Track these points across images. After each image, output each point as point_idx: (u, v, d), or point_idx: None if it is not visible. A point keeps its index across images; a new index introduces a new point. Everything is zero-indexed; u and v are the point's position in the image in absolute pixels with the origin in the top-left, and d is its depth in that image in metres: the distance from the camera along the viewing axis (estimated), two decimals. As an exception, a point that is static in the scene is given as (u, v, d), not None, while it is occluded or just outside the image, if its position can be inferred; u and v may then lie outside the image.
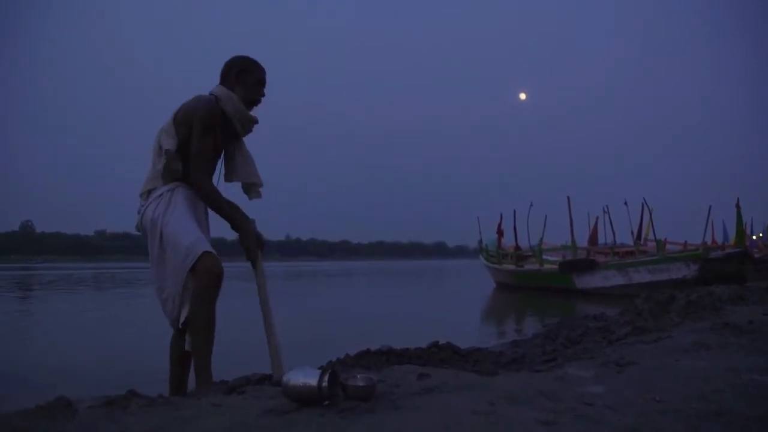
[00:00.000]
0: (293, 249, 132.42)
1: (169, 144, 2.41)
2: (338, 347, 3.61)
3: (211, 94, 2.52)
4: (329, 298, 14.47)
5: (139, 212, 2.49)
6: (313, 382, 1.69)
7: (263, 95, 2.63)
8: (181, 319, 2.40)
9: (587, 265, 13.92)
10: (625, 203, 15.93)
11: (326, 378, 1.70)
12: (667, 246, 15.25)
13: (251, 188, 2.68)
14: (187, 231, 2.36)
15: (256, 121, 2.62)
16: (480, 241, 20.05)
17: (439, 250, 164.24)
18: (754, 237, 24.91)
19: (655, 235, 14.65)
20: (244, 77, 2.55)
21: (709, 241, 17.17)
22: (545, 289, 14.55)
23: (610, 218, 16.64)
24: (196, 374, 2.36)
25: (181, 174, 2.47)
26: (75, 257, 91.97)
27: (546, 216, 16.99)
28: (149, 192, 2.48)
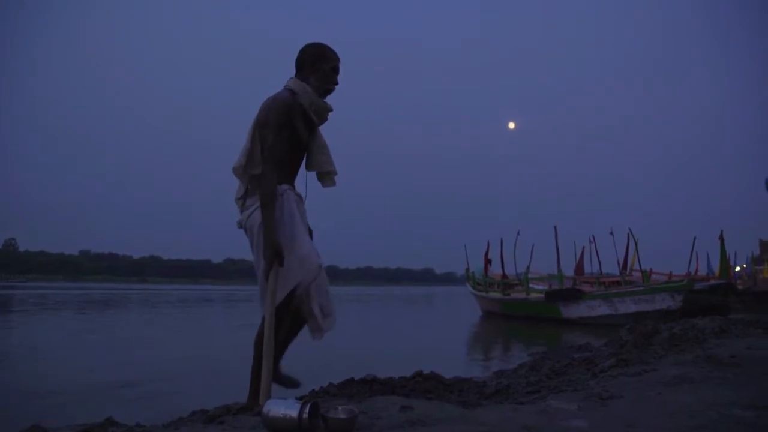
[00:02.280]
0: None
1: (237, 161, 2.47)
2: (322, 375, 3.57)
3: (286, 88, 2.54)
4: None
5: (242, 212, 2.53)
6: (293, 413, 1.67)
7: (337, 83, 2.63)
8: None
9: (573, 295, 13.95)
10: (611, 233, 16.06)
11: (307, 409, 1.68)
12: (653, 276, 15.36)
13: (326, 176, 2.73)
14: (301, 241, 2.44)
15: (331, 109, 2.64)
16: (467, 269, 20.07)
17: (426, 277, 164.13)
18: (738, 269, 25.18)
19: (640, 266, 14.75)
20: (320, 65, 2.55)
21: (693, 273, 17.31)
22: (531, 318, 14.54)
23: (596, 248, 16.76)
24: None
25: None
26: (58, 277, 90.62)
27: (533, 245, 17.09)
28: (246, 193, 2.52)
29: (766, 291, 17.27)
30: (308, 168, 2.70)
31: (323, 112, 2.61)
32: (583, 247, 17.60)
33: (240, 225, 2.55)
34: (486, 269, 18.61)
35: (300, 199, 2.63)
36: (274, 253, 2.32)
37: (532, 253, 16.82)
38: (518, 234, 17.52)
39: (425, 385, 3.29)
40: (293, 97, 2.48)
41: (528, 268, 16.45)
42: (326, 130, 2.74)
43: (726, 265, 14.97)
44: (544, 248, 16.97)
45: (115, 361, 6.18)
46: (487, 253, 18.75)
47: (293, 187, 2.61)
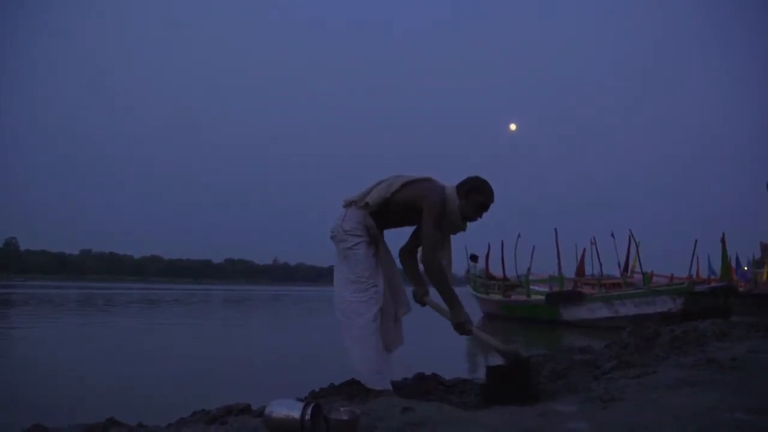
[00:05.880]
0: (281, 274, 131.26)
1: (373, 199, 2.93)
2: (323, 375, 3.57)
3: (445, 190, 2.90)
4: (319, 324, 14.34)
5: (336, 229, 3.00)
6: (295, 414, 1.67)
7: (480, 217, 2.99)
8: None
9: (574, 297, 13.96)
10: (612, 235, 16.07)
11: (309, 411, 1.69)
12: (654, 279, 15.34)
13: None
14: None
15: (463, 230, 3.01)
16: (468, 271, 20.08)
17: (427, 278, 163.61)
18: (746, 268, 25.18)
19: (641, 268, 14.75)
20: (473, 196, 2.91)
21: (695, 275, 17.31)
22: (532, 320, 14.54)
23: (597, 250, 16.77)
24: None
25: (375, 228, 2.99)
26: (58, 276, 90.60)
27: (534, 247, 17.12)
28: (351, 203, 3.00)
29: (767, 293, 17.28)
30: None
31: (455, 229, 2.99)
32: (584, 249, 17.64)
33: (332, 235, 3.02)
34: (487, 271, 18.64)
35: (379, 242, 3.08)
36: (467, 322, 2.92)
37: (532, 255, 16.87)
38: (519, 236, 17.60)
39: (426, 386, 3.30)
40: (443, 204, 2.84)
41: (529, 269, 16.47)
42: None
43: (727, 267, 14.96)
44: (544, 250, 17.00)
45: (116, 361, 6.18)
46: (487, 255, 18.78)
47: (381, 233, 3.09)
